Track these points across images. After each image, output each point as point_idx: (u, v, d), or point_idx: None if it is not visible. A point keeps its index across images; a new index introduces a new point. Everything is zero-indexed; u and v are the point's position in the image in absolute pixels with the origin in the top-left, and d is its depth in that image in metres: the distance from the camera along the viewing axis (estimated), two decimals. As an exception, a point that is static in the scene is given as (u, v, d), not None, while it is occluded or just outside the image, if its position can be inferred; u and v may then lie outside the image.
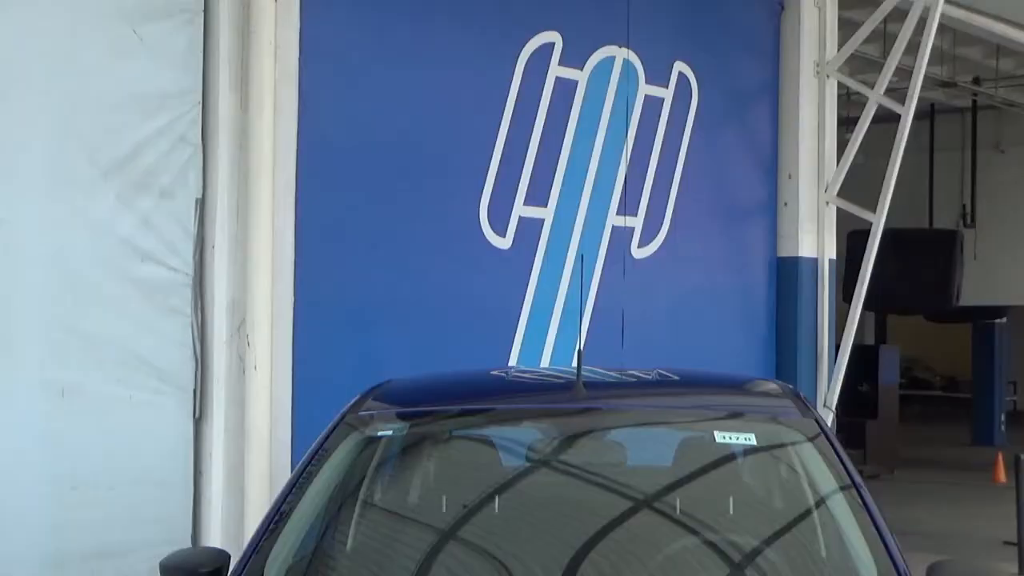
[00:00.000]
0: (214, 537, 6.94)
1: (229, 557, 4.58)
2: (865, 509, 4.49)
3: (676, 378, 5.87)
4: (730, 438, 4.92)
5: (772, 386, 5.72)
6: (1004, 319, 25.21)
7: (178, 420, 6.98)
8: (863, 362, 18.94)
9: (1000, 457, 18.46)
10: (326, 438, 4.89)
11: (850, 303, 11.55)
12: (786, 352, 11.19)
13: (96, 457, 6.61)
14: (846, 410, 14.44)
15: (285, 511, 4.59)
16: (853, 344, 11.34)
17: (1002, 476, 17.94)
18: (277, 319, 7.25)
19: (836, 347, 11.36)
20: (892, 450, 20.22)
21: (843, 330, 11.31)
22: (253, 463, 7.04)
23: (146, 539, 6.64)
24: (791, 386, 5.62)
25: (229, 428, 7.07)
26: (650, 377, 5.81)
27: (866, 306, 11.62)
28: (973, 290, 19.04)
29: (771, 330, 11.19)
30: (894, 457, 20.00)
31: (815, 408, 5.25)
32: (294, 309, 7.40)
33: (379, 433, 4.98)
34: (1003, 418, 25.27)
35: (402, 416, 5.12)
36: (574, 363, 5.21)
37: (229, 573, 4.42)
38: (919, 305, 19.66)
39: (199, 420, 7.07)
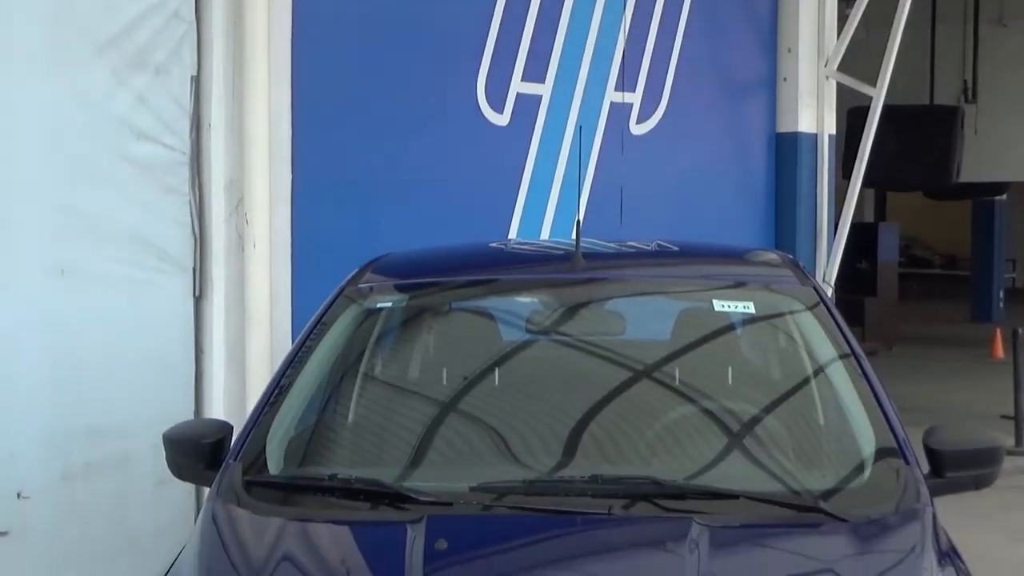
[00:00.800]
0: (216, 415, 6.95)
1: (232, 428, 4.61)
2: (864, 377, 4.49)
3: (675, 249, 5.87)
4: (729, 306, 4.92)
5: (771, 256, 5.72)
6: (1004, 196, 25.17)
7: (178, 298, 6.97)
8: (862, 240, 18.99)
9: (998, 333, 18.57)
10: (325, 311, 4.90)
11: (849, 180, 11.52)
12: (785, 228, 11.19)
13: (96, 336, 6.60)
14: (845, 287, 14.50)
15: (285, 384, 4.61)
16: (852, 222, 11.34)
17: (1000, 352, 18.06)
18: (275, 196, 7.22)
19: (835, 224, 11.35)
20: (891, 327, 20.31)
21: (842, 207, 11.29)
22: (253, 340, 7.04)
23: (148, 417, 6.64)
24: (790, 256, 5.62)
25: (229, 306, 7.06)
26: (649, 248, 5.81)
27: (865, 183, 11.60)
28: (973, 166, 18.97)
29: (770, 207, 11.18)
30: (893, 334, 20.09)
31: (814, 278, 5.25)
32: (292, 186, 7.36)
33: (378, 305, 4.99)
34: (1002, 295, 25.35)
35: (401, 288, 5.13)
36: (573, 236, 5.20)
37: (231, 445, 4.45)
38: (919, 182, 19.60)
39: (199, 298, 7.05)
